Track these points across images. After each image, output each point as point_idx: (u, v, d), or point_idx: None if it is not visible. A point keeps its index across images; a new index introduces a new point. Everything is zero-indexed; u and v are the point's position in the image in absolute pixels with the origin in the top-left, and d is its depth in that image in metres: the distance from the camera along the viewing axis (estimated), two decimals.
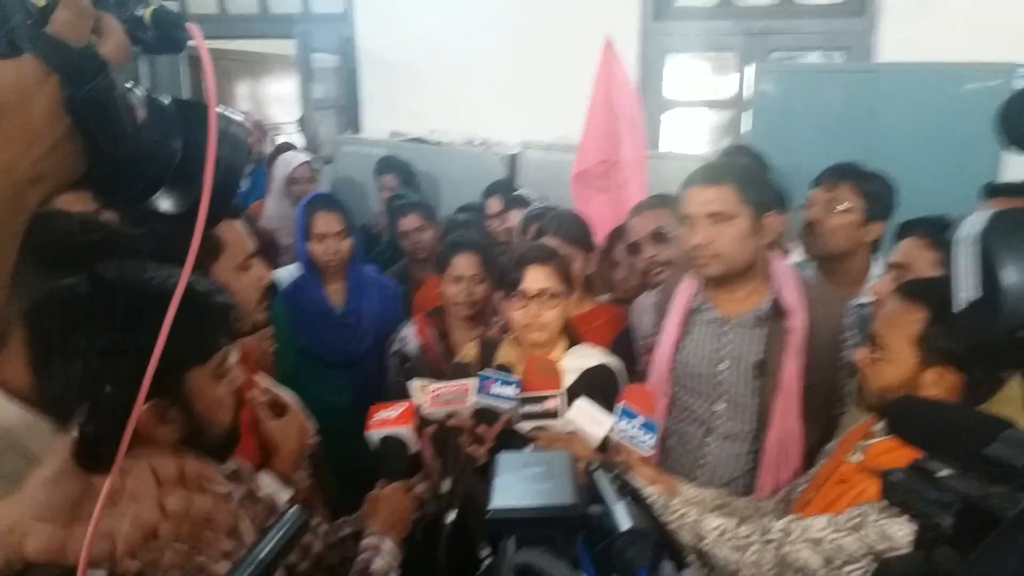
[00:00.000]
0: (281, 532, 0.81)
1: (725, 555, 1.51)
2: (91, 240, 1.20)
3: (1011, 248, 0.66)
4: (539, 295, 2.03)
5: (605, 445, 1.77)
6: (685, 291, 2.12)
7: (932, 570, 0.72)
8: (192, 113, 0.72)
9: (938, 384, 1.46)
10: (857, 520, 1.38)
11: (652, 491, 1.67)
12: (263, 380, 1.72)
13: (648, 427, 1.76)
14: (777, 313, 1.96)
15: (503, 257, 2.22)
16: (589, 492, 0.72)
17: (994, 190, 2.51)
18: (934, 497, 0.69)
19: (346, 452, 2.26)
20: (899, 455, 1.43)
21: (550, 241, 2.43)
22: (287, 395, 1.77)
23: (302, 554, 1.51)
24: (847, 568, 1.37)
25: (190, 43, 0.76)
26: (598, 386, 2.02)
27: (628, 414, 1.77)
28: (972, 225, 0.71)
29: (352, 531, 1.63)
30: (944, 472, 0.71)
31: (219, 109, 0.74)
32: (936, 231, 1.96)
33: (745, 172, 2.01)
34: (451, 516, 1.61)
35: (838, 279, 2.48)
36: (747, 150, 3.55)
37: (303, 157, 4.37)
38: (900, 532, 1.31)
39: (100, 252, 1.13)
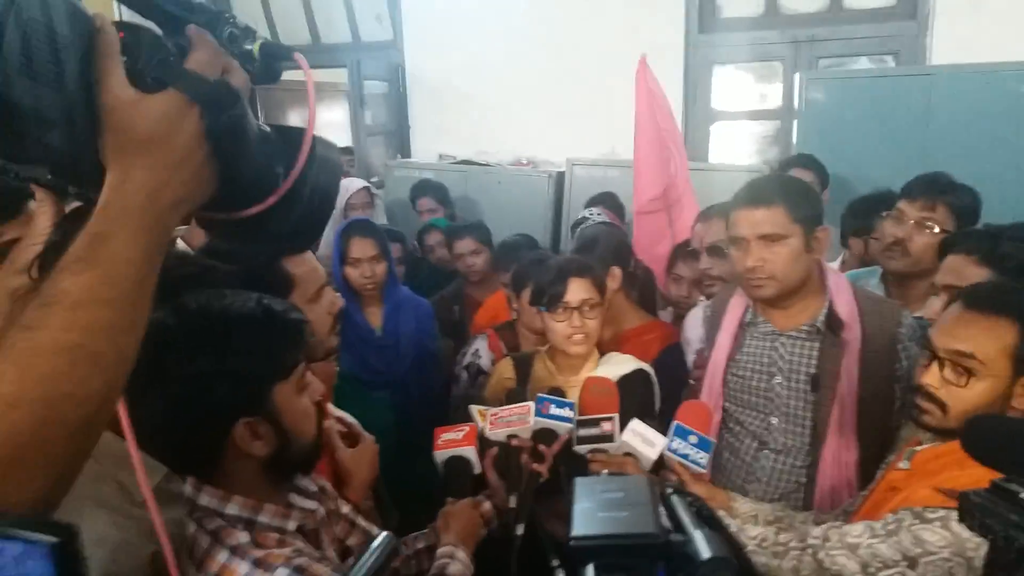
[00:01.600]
0: (373, 558, 0.84)
1: (764, 562, 1.51)
2: (187, 273, 1.27)
3: None
4: (581, 306, 2.09)
5: (659, 464, 1.81)
6: (737, 304, 2.11)
7: None
8: (292, 139, 0.78)
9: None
10: (893, 526, 1.38)
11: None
12: (333, 409, 1.76)
13: (702, 445, 1.78)
14: (831, 326, 1.94)
15: (540, 273, 2.25)
16: (667, 518, 0.73)
17: None
18: (1017, 520, 0.69)
19: (391, 472, 2.31)
20: (944, 461, 1.45)
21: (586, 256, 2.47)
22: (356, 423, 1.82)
23: None
24: (882, 573, 1.37)
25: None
26: (637, 391, 2.09)
27: (682, 432, 1.79)
28: None
29: (426, 545, 1.69)
30: None
31: (316, 135, 0.79)
32: (985, 246, 1.85)
33: (794, 188, 1.98)
34: (520, 529, 1.71)
35: (909, 296, 2.37)
36: (811, 160, 3.50)
37: (360, 183, 4.44)
38: (934, 537, 1.32)
39: (193, 285, 1.21)
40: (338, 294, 1.85)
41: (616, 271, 2.60)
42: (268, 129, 0.79)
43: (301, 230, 0.80)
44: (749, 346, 2.06)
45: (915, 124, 3.79)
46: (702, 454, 1.77)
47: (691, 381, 2.35)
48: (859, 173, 3.42)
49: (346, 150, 6.02)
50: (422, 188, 4.66)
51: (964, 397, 1.45)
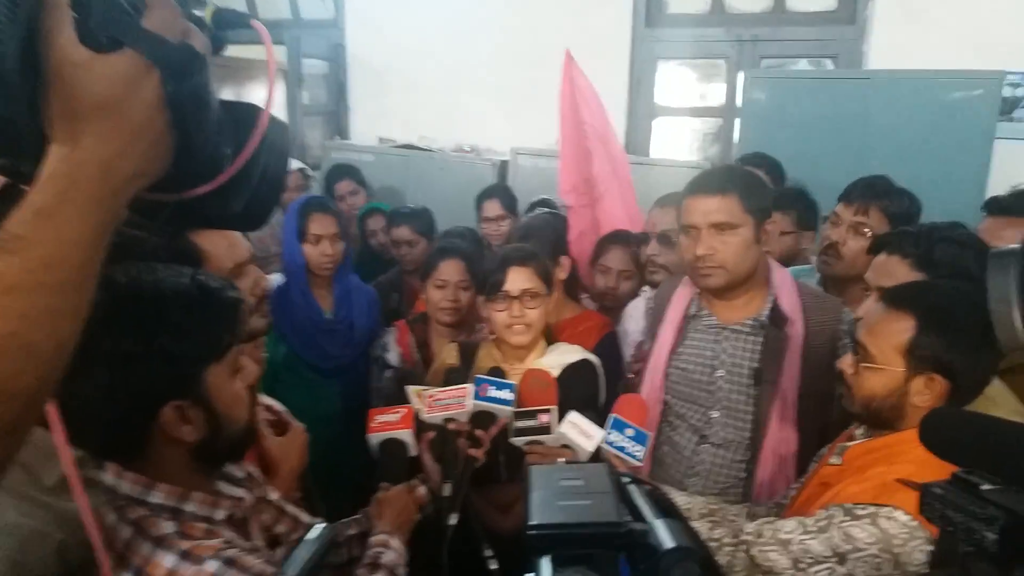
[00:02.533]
0: (310, 552, 0.79)
1: None
2: (111, 243, 1.18)
3: None
4: (521, 295, 2.07)
5: (596, 457, 1.81)
6: (682, 296, 2.11)
7: None
8: (241, 116, 0.71)
9: (926, 392, 1.46)
10: (824, 522, 1.41)
11: None
12: (261, 395, 1.69)
13: (639, 438, 1.79)
14: (775, 321, 1.94)
15: (485, 260, 2.24)
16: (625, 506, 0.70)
17: (996, 206, 2.50)
18: (978, 512, 0.68)
19: (335, 460, 2.25)
20: (874, 457, 1.49)
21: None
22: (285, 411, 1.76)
23: None
24: (813, 568, 1.40)
25: None
26: (582, 380, 2.09)
27: (619, 425, 1.79)
28: None
29: (358, 531, 1.64)
30: (987, 486, 0.70)
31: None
32: (920, 250, 1.84)
33: (747, 180, 1.99)
34: (453, 519, 1.69)
35: (846, 297, 2.34)
36: (764, 158, 3.51)
37: (295, 164, 4.31)
38: (862, 534, 1.36)
39: (119, 256, 1.12)
40: (265, 275, 1.77)
41: (565, 261, 2.61)
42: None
43: (245, 217, 0.74)
44: (692, 339, 2.05)
45: (852, 126, 3.89)
46: (638, 447, 1.78)
47: (630, 375, 2.35)
48: (798, 172, 3.47)
49: None
50: (338, 172, 4.49)
51: (860, 384, 1.53)
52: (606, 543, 0.62)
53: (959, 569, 0.72)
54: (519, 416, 1.83)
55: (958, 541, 0.71)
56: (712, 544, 1.53)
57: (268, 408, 1.69)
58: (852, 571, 1.37)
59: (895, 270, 1.87)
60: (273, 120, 0.74)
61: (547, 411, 1.82)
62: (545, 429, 1.80)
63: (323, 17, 5.97)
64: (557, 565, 0.62)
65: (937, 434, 0.83)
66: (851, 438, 1.63)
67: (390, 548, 1.50)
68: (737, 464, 1.97)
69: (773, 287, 1.99)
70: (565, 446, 1.81)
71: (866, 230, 2.37)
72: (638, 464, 1.78)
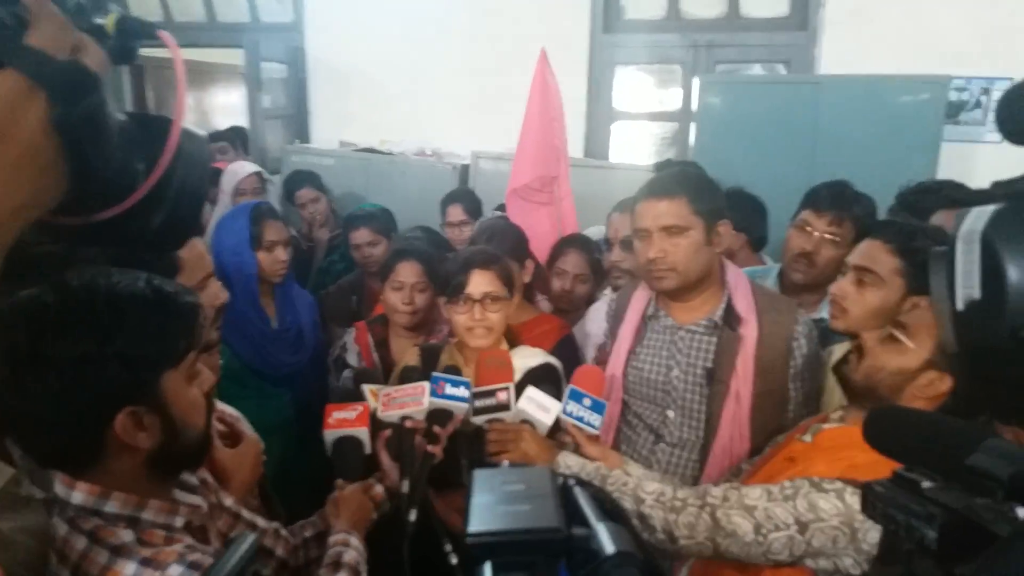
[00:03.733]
0: (232, 561, 0.77)
1: (662, 516, 1.54)
2: (45, 250, 1.16)
3: (1016, 245, 0.63)
4: (483, 299, 2.06)
5: (555, 429, 1.83)
6: (640, 297, 2.13)
7: None
8: (153, 130, 0.67)
9: (929, 388, 1.47)
10: (790, 491, 1.44)
11: (596, 465, 1.71)
12: (216, 403, 1.65)
13: (596, 407, 1.81)
14: (728, 321, 1.97)
15: (447, 262, 2.23)
16: (568, 510, 0.69)
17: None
18: (919, 510, 0.68)
19: (292, 467, 2.21)
20: (849, 441, 1.49)
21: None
22: (239, 419, 1.73)
23: (265, 559, 1.51)
24: (773, 535, 1.43)
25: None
26: (545, 383, 2.06)
27: (577, 396, 1.81)
28: (974, 221, 0.68)
29: (313, 532, 1.63)
30: (927, 484, 0.70)
31: (184, 127, 0.70)
32: (902, 239, 1.90)
33: (697, 182, 2.01)
34: (412, 515, 1.68)
35: (802, 300, 2.40)
36: (688, 165, 3.55)
37: (251, 168, 4.24)
38: (827, 506, 1.39)
39: (55, 262, 1.10)
40: (223, 290, 1.74)
41: (529, 265, 2.60)
42: (124, 118, 0.68)
43: (165, 233, 0.70)
44: (650, 339, 2.07)
45: (803, 128, 3.96)
46: (596, 416, 1.80)
47: None
48: (752, 175, 3.51)
49: (239, 129, 5.76)
50: (298, 179, 4.39)
51: (878, 353, 1.54)
52: (546, 548, 0.61)
53: (904, 567, 0.72)
54: (477, 396, 1.83)
55: (901, 539, 0.71)
56: (677, 503, 1.54)
57: (219, 418, 1.67)
58: (810, 541, 1.40)
59: (877, 254, 1.93)
60: (188, 132, 0.70)
61: (505, 389, 1.83)
62: (504, 407, 1.81)
63: (282, 20, 5.90)
64: (497, 571, 0.61)
65: (879, 431, 0.83)
66: (826, 420, 1.66)
67: (350, 547, 1.49)
68: (693, 463, 2.00)
69: (727, 287, 2.01)
70: (525, 421, 1.82)
71: (841, 241, 2.38)
72: (595, 432, 1.80)
